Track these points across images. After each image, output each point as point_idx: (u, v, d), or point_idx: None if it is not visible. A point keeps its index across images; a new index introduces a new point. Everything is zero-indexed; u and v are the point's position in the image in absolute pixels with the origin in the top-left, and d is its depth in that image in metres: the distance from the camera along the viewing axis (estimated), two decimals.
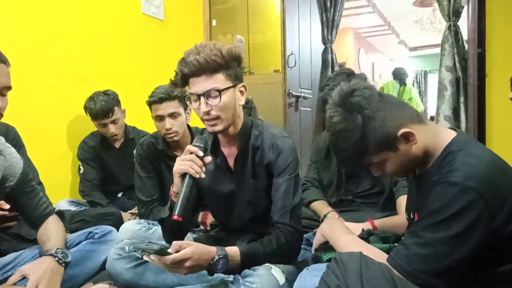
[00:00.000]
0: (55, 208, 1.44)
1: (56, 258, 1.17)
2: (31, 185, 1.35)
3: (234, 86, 1.24)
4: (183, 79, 1.23)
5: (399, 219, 1.48)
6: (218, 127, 1.25)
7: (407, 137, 0.95)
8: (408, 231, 0.94)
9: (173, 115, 1.86)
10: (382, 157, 0.98)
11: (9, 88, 1.14)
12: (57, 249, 1.20)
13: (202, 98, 1.20)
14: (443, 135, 0.99)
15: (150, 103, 1.89)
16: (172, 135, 1.88)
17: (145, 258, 1.08)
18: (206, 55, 1.17)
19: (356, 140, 0.95)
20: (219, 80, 1.20)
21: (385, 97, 0.99)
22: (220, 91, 1.19)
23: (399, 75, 6.13)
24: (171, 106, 1.85)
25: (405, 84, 6.10)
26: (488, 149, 0.97)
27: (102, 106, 2.23)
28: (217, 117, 1.23)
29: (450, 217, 0.85)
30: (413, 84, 9.67)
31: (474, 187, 0.84)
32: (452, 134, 0.98)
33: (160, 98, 1.84)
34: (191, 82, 1.22)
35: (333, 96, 1.00)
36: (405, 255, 0.88)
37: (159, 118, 1.88)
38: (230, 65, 1.22)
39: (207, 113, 1.21)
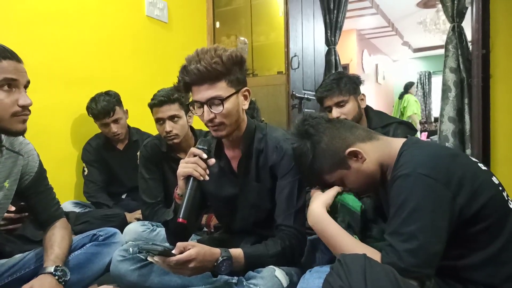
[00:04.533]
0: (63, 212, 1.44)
1: (56, 277, 1.19)
2: (45, 185, 1.35)
3: (237, 92, 1.23)
4: (185, 87, 1.23)
5: None
6: (223, 133, 1.25)
7: (356, 155, 1.05)
8: (388, 232, 0.95)
9: (173, 118, 1.87)
10: (338, 175, 1.09)
11: (29, 82, 1.16)
12: (57, 267, 1.21)
13: (205, 106, 1.20)
14: (395, 144, 1.07)
15: (151, 106, 1.90)
16: (172, 137, 1.89)
17: (149, 259, 1.08)
18: (207, 63, 1.15)
19: (310, 162, 1.08)
20: (222, 88, 1.19)
21: (334, 122, 1.12)
22: (222, 100, 1.19)
23: (405, 88, 7.38)
24: (172, 109, 1.86)
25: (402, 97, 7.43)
26: (436, 143, 1.03)
27: (103, 106, 2.25)
28: (221, 124, 1.23)
29: (417, 206, 0.89)
30: (417, 86, 9.78)
31: (426, 173, 0.90)
32: (403, 140, 1.06)
33: (160, 101, 1.85)
34: (193, 90, 1.22)
35: (292, 129, 1.13)
36: (395, 254, 0.90)
37: (160, 121, 1.89)
38: (232, 71, 1.20)
39: (211, 120, 1.21)
